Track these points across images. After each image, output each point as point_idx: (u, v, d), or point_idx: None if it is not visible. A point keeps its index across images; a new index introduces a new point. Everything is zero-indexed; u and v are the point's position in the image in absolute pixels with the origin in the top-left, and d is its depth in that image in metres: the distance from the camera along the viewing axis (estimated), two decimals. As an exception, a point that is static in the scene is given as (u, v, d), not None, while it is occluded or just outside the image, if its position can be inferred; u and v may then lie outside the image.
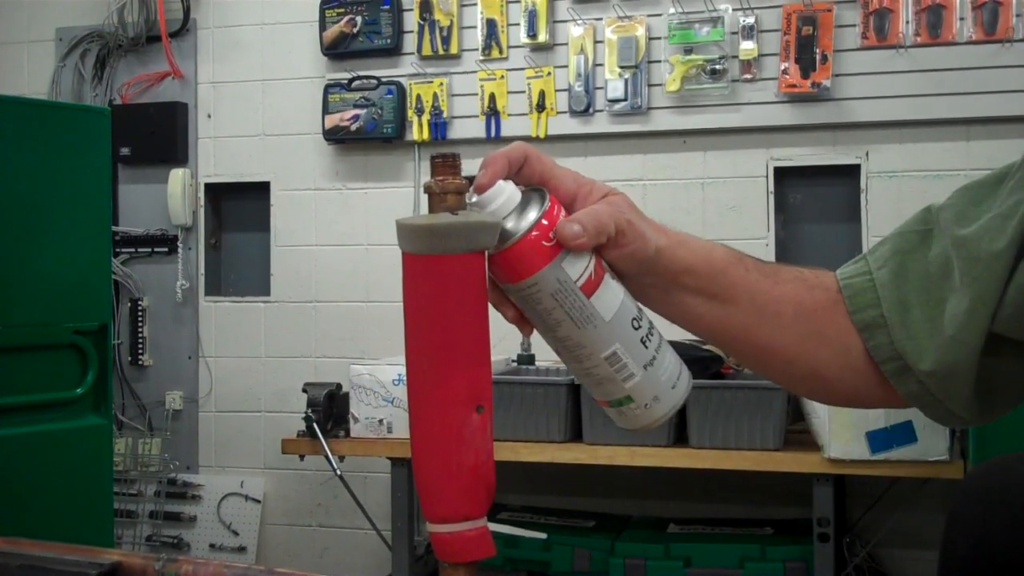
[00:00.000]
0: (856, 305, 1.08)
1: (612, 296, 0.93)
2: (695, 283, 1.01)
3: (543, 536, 3.46)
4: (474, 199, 0.88)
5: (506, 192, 0.89)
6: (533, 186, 0.93)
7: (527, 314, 0.93)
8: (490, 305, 0.86)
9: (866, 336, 1.07)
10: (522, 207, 0.90)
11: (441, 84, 4.03)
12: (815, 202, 3.90)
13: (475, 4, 4.00)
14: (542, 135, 3.91)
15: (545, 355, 3.64)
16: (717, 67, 3.72)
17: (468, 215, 0.83)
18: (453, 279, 0.82)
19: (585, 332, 0.93)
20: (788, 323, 1.05)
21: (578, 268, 0.91)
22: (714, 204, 3.80)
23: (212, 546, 4.38)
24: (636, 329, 0.95)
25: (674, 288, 1.00)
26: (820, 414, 3.06)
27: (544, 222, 0.89)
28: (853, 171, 3.74)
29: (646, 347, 0.95)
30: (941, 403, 1.07)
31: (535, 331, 0.95)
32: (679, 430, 3.26)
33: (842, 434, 3.00)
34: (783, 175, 3.83)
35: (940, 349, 1.03)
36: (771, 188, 3.80)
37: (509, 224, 0.89)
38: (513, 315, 0.93)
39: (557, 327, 0.93)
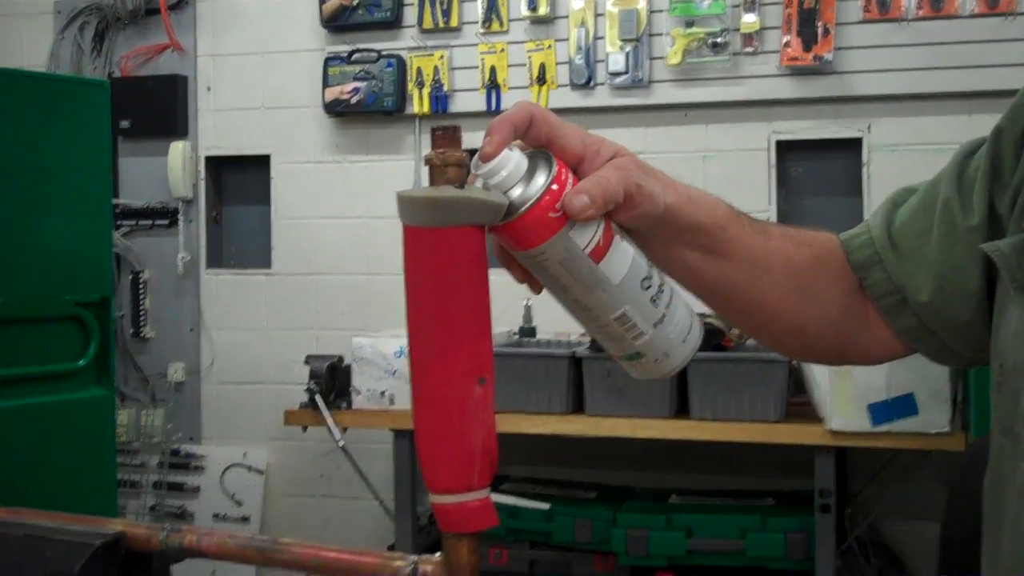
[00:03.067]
0: (852, 247, 1.11)
1: (621, 259, 0.93)
2: (697, 239, 1.01)
3: (546, 507, 3.47)
4: (480, 169, 0.87)
5: (512, 161, 0.88)
6: (540, 150, 0.92)
7: (536, 276, 0.93)
8: (492, 274, 0.86)
9: (863, 275, 1.10)
10: (529, 175, 0.89)
11: (441, 57, 4.01)
12: (817, 175, 3.90)
13: (476, -24, 3.99)
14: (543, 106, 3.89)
15: (547, 327, 3.64)
16: (719, 40, 3.70)
17: (470, 190, 0.83)
18: (454, 252, 0.81)
19: (594, 295, 0.93)
20: (776, 279, 1.07)
21: (586, 236, 0.90)
22: (715, 177, 3.79)
23: (216, 516, 4.40)
24: (646, 289, 0.94)
25: (676, 242, 1.00)
26: (822, 386, 3.07)
27: (552, 189, 0.88)
28: (855, 144, 3.73)
29: (656, 306, 0.95)
30: (936, 336, 1.08)
31: (545, 291, 0.95)
32: (680, 402, 3.27)
33: (844, 406, 3.01)
34: (785, 148, 3.82)
35: (935, 279, 1.06)
36: (773, 161, 3.79)
37: (516, 193, 0.88)
38: (521, 275, 0.93)
39: (566, 291, 0.93)
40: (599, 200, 0.89)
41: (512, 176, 0.88)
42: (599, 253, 0.91)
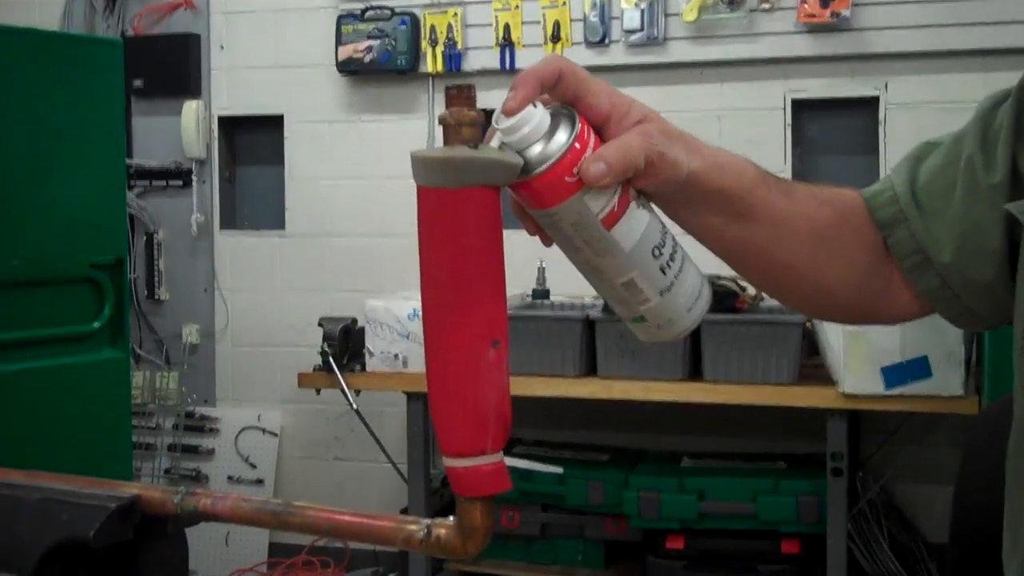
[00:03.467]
0: (876, 204, 1.09)
1: (634, 226, 0.92)
2: (722, 204, 1.00)
3: (559, 471, 3.48)
4: (502, 123, 0.86)
5: (535, 117, 0.86)
6: (565, 107, 0.90)
7: (548, 233, 0.92)
8: (505, 235, 0.85)
9: (887, 232, 1.09)
10: (550, 134, 0.87)
11: (455, 14, 3.98)
12: (833, 134, 3.87)
13: (490, -66, 3.95)
14: (557, 68, 3.86)
15: (560, 289, 3.64)
16: (735, -3, 3.67)
17: (485, 150, 0.82)
18: (468, 213, 0.80)
19: (603, 260, 0.92)
20: (801, 240, 1.06)
21: (600, 202, 0.89)
22: (731, 137, 3.76)
23: (230, 478, 4.42)
24: (656, 257, 0.93)
25: (699, 207, 0.99)
26: (835, 348, 3.06)
27: (572, 151, 0.87)
28: (871, 103, 3.70)
29: (665, 274, 0.94)
30: (959, 299, 1.07)
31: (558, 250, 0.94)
32: (693, 364, 3.27)
33: (857, 369, 3.00)
34: (801, 107, 3.79)
35: (957, 239, 1.05)
36: (789, 120, 3.77)
37: (535, 151, 0.86)
38: (533, 229, 0.92)
39: (577, 251, 0.92)
40: (617, 169, 0.88)
41: (533, 134, 0.86)
42: (612, 220, 0.90)
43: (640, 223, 0.92)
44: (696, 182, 0.96)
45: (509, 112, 0.86)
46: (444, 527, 0.83)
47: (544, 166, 0.86)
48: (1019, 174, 1.03)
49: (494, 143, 0.87)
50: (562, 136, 0.87)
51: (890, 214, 1.08)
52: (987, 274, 1.05)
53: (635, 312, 0.96)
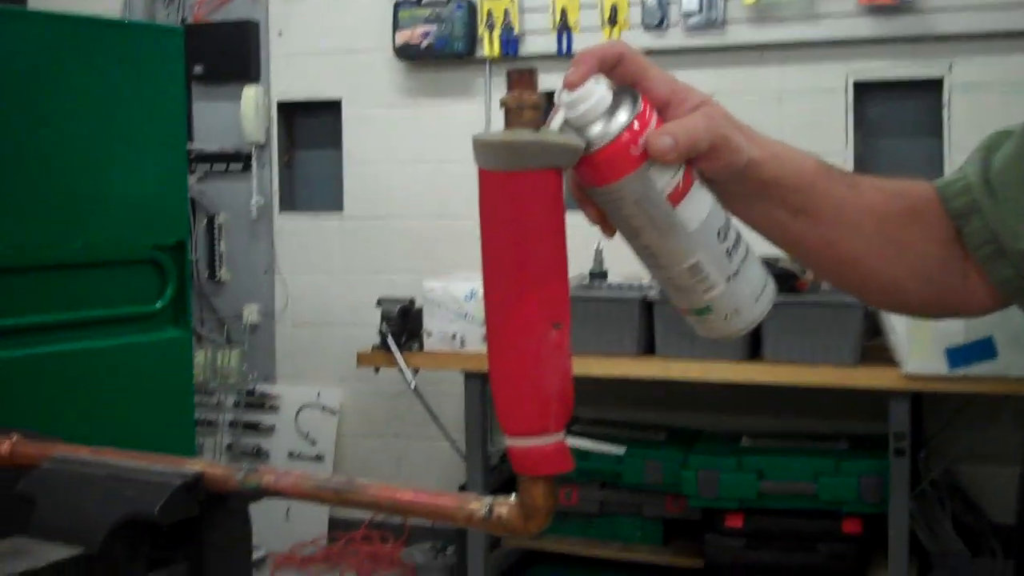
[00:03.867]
0: (949, 194, 1.07)
1: (699, 206, 0.90)
2: (782, 195, 0.98)
3: (621, 452, 3.47)
4: (565, 97, 0.86)
5: (597, 93, 0.86)
6: (626, 87, 0.89)
7: (610, 217, 0.91)
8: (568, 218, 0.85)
9: (961, 223, 1.06)
10: (613, 109, 0.86)
11: (512, -1, 3.97)
12: (895, 117, 3.82)
13: (546, -86, 3.93)
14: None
15: (618, 270, 3.63)
16: (795, -25, 3.63)
17: (547, 132, 0.82)
18: (531, 196, 0.80)
19: (667, 241, 0.90)
20: (869, 234, 1.04)
21: (665, 178, 0.88)
22: (791, 119, 3.73)
23: (290, 455, 4.47)
24: (722, 240, 0.91)
25: (760, 198, 0.97)
26: (898, 329, 3.02)
27: (634, 127, 0.86)
28: (935, 85, 3.64)
29: (731, 259, 0.92)
30: None
31: (617, 234, 0.93)
32: (754, 345, 3.24)
33: (921, 349, 2.96)
34: (863, 89, 3.74)
35: None
36: (850, 103, 3.72)
37: (598, 127, 0.86)
38: (596, 215, 0.91)
39: (639, 233, 0.90)
40: (684, 144, 0.87)
41: (596, 108, 0.86)
42: (677, 196, 0.88)
43: (705, 203, 0.91)
44: (755, 171, 0.95)
45: (571, 85, 0.85)
46: (506, 505, 0.83)
47: (609, 137, 0.85)
48: None
49: (558, 118, 0.86)
50: (625, 110, 0.87)
51: (963, 204, 1.06)
52: None
53: (700, 302, 0.94)
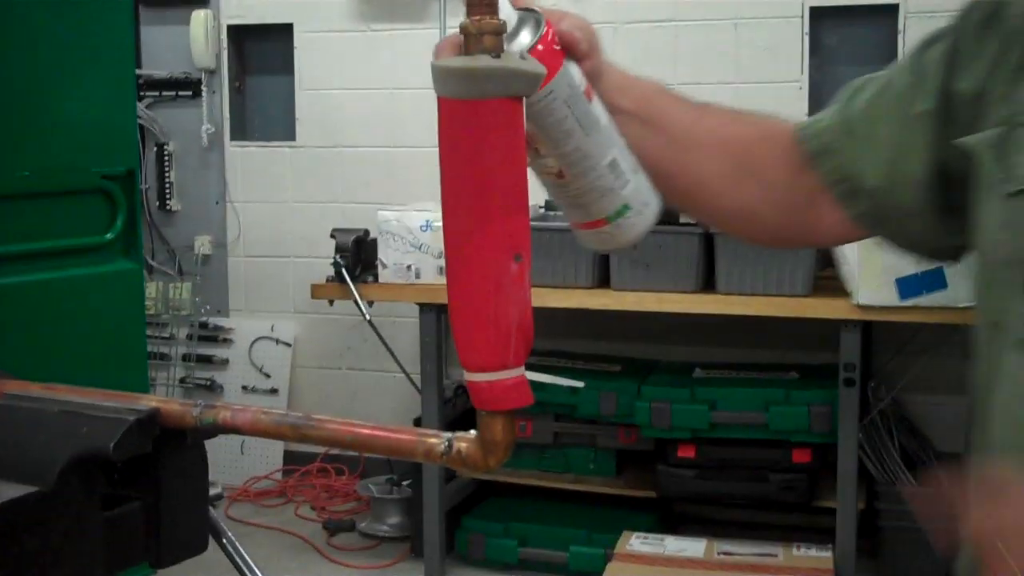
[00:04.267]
0: (807, 135, 1.11)
1: (600, 103, 0.97)
2: (630, 105, 1.04)
3: (580, 384, 3.49)
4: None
5: (505, 8, 0.89)
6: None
7: (538, 134, 0.94)
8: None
9: (818, 163, 1.10)
10: (524, 19, 0.92)
11: (467, -79, 3.90)
12: (851, 44, 3.81)
13: None
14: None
15: (573, 201, 3.62)
16: (753, -98, 3.59)
17: (508, 58, 0.80)
18: (491, 124, 0.79)
19: (591, 138, 0.95)
20: (714, 155, 1.09)
21: (578, 74, 0.94)
22: (747, 46, 3.71)
23: (244, 388, 4.46)
24: (621, 135, 0.99)
25: (615, 112, 1.01)
26: (850, 260, 3.05)
27: (549, 29, 0.92)
28: (891, 11, 3.63)
29: (631, 152, 0.99)
30: (891, 221, 1.09)
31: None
32: (707, 276, 3.26)
33: (872, 280, 2.99)
34: (819, 15, 3.73)
35: (886, 164, 1.06)
36: (806, 29, 3.70)
37: (526, 36, 0.91)
38: None
39: (568, 138, 0.94)
40: (589, 31, 0.95)
41: (515, 21, 0.91)
42: (589, 92, 0.96)
43: (599, 101, 0.98)
44: (605, 76, 1.01)
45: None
46: (465, 441, 0.82)
47: (537, 38, 0.91)
48: (951, 100, 1.02)
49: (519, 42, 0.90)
50: (534, 17, 0.92)
51: (821, 143, 1.10)
52: (914, 201, 1.05)
53: (618, 200, 0.99)
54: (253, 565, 1.15)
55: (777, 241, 1.22)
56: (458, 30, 0.82)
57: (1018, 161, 0.94)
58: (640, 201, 1.00)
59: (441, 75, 0.79)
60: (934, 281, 2.97)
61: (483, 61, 0.78)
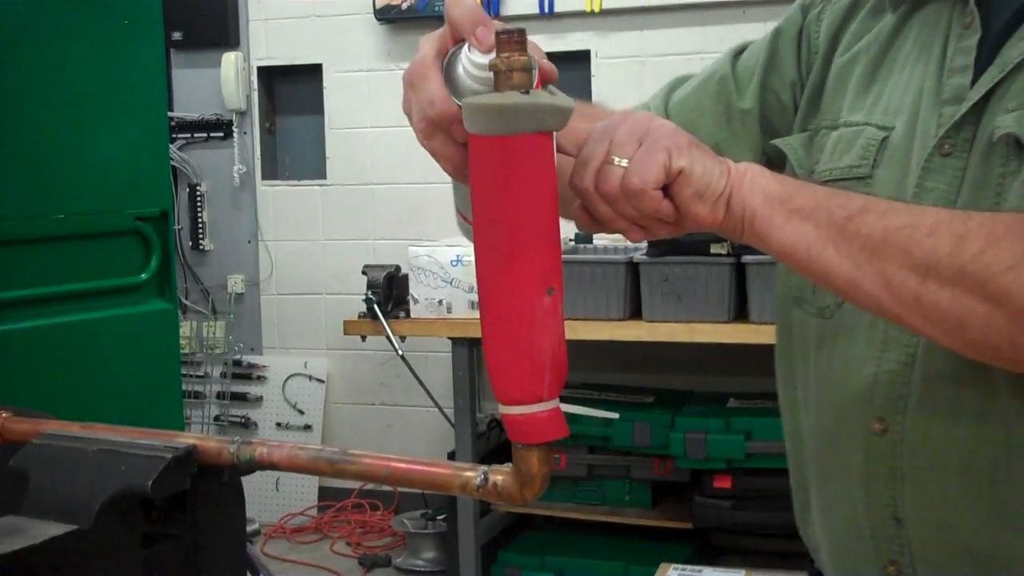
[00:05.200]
0: None
1: None
2: None
3: (615, 416, 3.47)
4: (479, 58, 0.83)
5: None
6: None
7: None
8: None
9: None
10: None
11: (493, -42, 3.94)
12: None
13: None
14: (596, 9, 3.82)
15: (602, 233, 3.61)
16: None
17: (537, 95, 0.81)
18: (522, 159, 0.79)
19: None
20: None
21: None
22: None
23: (279, 425, 4.47)
24: None
25: None
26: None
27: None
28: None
29: None
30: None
31: None
32: (739, 305, 3.25)
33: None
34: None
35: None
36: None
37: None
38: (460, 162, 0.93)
39: None
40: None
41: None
42: None
43: None
44: None
45: (488, 47, 0.82)
46: (501, 474, 0.82)
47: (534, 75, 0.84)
48: (767, 106, 1.17)
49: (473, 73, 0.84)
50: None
51: None
52: None
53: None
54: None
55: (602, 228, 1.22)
56: (487, 66, 0.82)
57: (819, 159, 1.11)
58: None
59: (471, 112, 0.80)
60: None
61: (514, 98, 0.79)
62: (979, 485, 0.98)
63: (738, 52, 1.21)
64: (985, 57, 1.01)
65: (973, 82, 1.01)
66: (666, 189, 0.91)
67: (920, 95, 1.05)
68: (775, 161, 1.15)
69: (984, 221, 0.89)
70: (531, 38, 0.87)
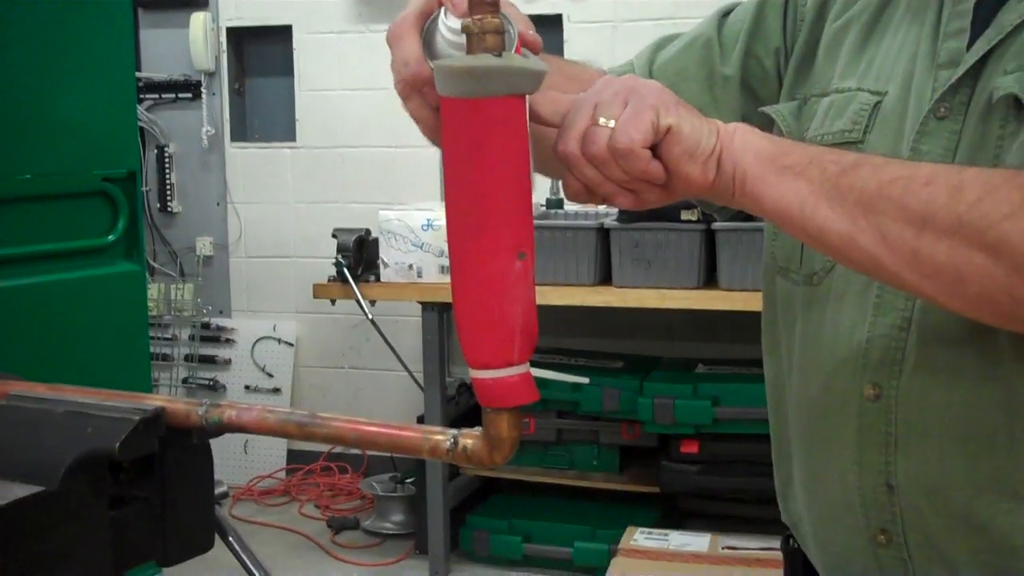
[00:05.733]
0: None
1: None
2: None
3: (585, 380, 3.48)
4: (453, 23, 0.83)
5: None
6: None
7: None
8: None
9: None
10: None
11: (465, -80, 3.91)
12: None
13: None
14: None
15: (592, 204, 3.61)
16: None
17: (510, 57, 0.80)
18: (495, 123, 0.79)
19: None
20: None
21: None
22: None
23: (247, 388, 4.46)
24: None
25: None
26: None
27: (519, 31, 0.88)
28: None
29: None
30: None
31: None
32: (708, 272, 3.26)
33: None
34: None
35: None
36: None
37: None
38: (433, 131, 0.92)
39: None
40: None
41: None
42: None
43: None
44: None
45: (465, 12, 0.82)
46: (471, 437, 0.83)
47: (514, 40, 0.85)
48: (749, 73, 1.16)
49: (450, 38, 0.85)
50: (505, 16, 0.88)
51: None
52: None
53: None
54: (260, 563, 1.16)
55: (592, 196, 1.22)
56: (459, 29, 0.82)
57: (809, 127, 1.10)
58: None
59: (444, 75, 0.80)
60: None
61: (487, 60, 0.78)
62: (977, 450, 0.96)
63: (725, 13, 1.20)
64: (981, 21, 1.00)
65: (969, 46, 1.00)
66: (655, 150, 0.89)
67: (914, 60, 1.04)
68: (763, 129, 1.14)
69: (980, 172, 0.88)
70: (515, 2, 0.86)
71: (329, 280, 3.58)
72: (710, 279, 3.27)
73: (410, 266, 3.45)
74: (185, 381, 4.50)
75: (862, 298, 1.02)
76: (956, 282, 0.86)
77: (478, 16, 0.79)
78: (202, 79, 4.41)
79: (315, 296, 3.65)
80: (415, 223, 3.44)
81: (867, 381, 1.01)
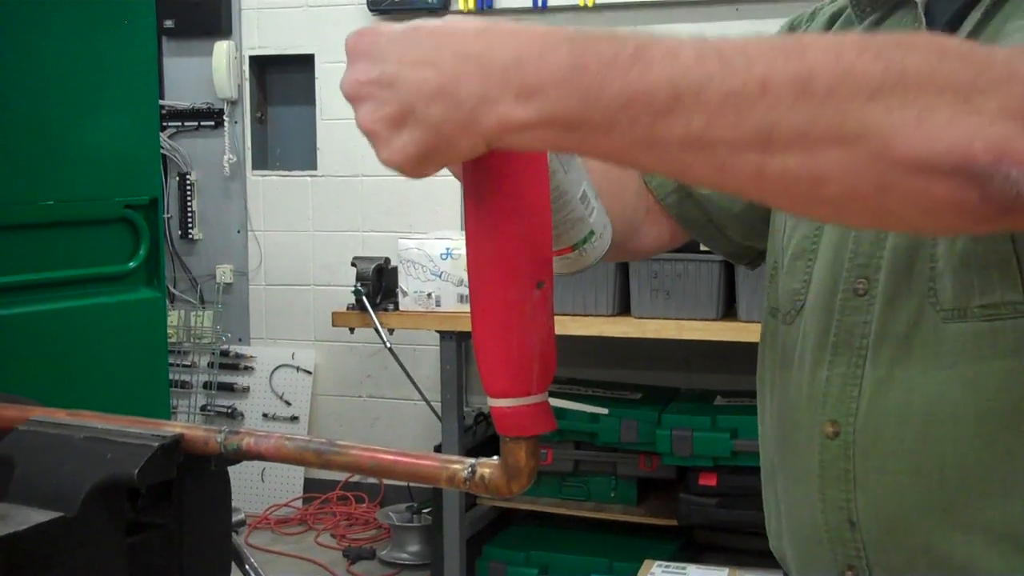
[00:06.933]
0: None
1: None
2: None
3: (604, 411, 3.48)
4: None
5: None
6: None
7: None
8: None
9: (647, 178, 1.20)
10: None
11: (487, -49, 3.93)
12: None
13: None
14: (590, 3, 3.82)
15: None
16: (772, -69, 3.61)
17: None
18: (514, 153, 0.79)
19: (569, 176, 0.97)
20: (601, 171, 1.12)
21: None
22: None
23: (265, 415, 4.46)
24: (580, 166, 1.01)
25: None
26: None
27: None
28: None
29: (591, 182, 1.02)
30: (719, 229, 1.23)
31: None
32: (728, 303, 3.25)
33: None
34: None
35: None
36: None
37: None
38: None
39: (554, 176, 0.95)
40: None
41: None
42: None
43: None
44: None
45: None
46: (488, 467, 0.82)
47: None
48: None
49: None
50: None
51: None
52: (737, 203, 1.19)
53: (586, 228, 1.02)
54: (275, 592, 1.16)
55: (616, 255, 1.19)
56: None
57: None
58: (601, 225, 1.04)
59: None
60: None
61: None
62: (929, 484, 0.98)
63: None
64: None
65: None
66: None
67: None
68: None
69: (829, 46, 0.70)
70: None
71: (348, 308, 3.58)
72: (729, 310, 3.26)
73: (429, 295, 3.46)
74: (203, 409, 4.51)
75: (823, 337, 1.05)
76: (815, 185, 0.71)
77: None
78: (225, 107, 4.44)
79: (334, 324, 3.65)
80: (434, 252, 3.44)
81: (826, 419, 1.03)
